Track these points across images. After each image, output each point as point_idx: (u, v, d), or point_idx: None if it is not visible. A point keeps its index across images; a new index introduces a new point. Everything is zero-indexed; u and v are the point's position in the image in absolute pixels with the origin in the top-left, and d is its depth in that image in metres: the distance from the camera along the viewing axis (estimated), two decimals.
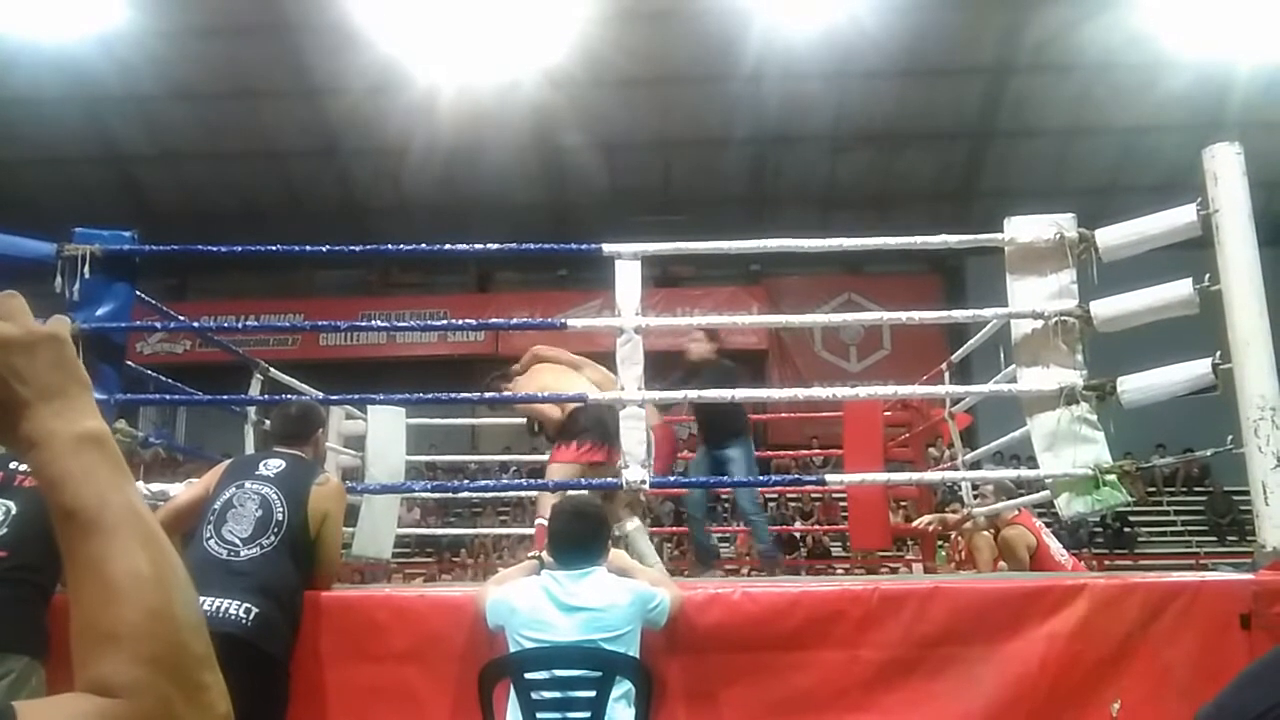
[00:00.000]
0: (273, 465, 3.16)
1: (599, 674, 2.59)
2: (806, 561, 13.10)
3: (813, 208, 16.77)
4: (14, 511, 2.90)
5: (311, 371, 7.09)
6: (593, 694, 2.58)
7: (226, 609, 2.75)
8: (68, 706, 0.67)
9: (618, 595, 2.74)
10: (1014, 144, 15.96)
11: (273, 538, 2.95)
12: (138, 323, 4.33)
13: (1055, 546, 5.71)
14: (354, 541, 5.25)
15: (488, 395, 4.77)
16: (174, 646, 0.70)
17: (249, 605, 2.77)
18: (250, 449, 5.05)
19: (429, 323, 16.47)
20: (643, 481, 3.65)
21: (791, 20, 13.25)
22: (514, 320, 5.01)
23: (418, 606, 3.08)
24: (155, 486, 3.84)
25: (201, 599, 2.68)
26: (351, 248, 4.65)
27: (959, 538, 7.26)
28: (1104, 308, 3.68)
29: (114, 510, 0.72)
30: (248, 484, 3.07)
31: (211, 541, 2.93)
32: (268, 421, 5.36)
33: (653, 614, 2.77)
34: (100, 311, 3.88)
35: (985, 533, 6.92)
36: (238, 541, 2.92)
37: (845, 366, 17.76)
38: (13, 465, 3.05)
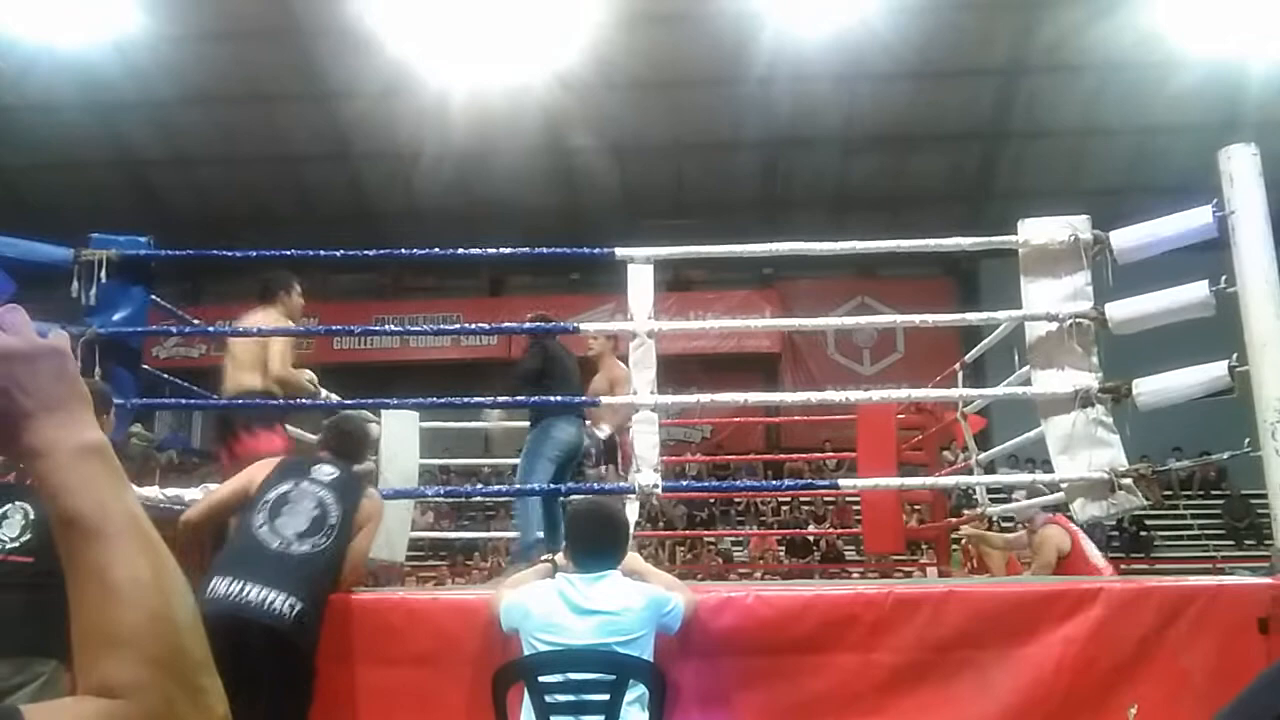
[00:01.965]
0: (326, 471, 3.20)
1: (613, 677, 2.59)
2: (820, 565, 13.06)
3: (825, 210, 16.73)
4: (32, 516, 2.92)
5: (325, 375, 7.08)
6: (606, 697, 2.57)
7: (272, 601, 2.78)
8: (74, 708, 0.69)
9: (632, 599, 2.74)
10: (1027, 145, 15.90)
11: (325, 539, 2.99)
12: (154, 327, 4.35)
13: (1092, 550, 5.65)
14: None
15: (501, 400, 4.78)
16: (175, 649, 0.72)
17: (293, 600, 2.80)
18: None
19: (442, 327, 16.51)
20: (655, 486, 3.65)
21: (802, 23, 13.24)
22: (526, 324, 5.00)
23: (431, 609, 3.08)
24: (170, 491, 3.86)
25: (247, 585, 2.76)
26: (364, 252, 4.65)
27: (969, 544, 7.23)
28: (1119, 310, 3.66)
29: (115, 518, 0.74)
30: (304, 484, 3.11)
31: (264, 530, 2.96)
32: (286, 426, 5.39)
33: (667, 618, 2.77)
34: (117, 316, 3.91)
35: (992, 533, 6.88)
36: (291, 535, 2.96)
37: (858, 370, 17.71)
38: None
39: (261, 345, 4.47)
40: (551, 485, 4.77)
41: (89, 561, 0.72)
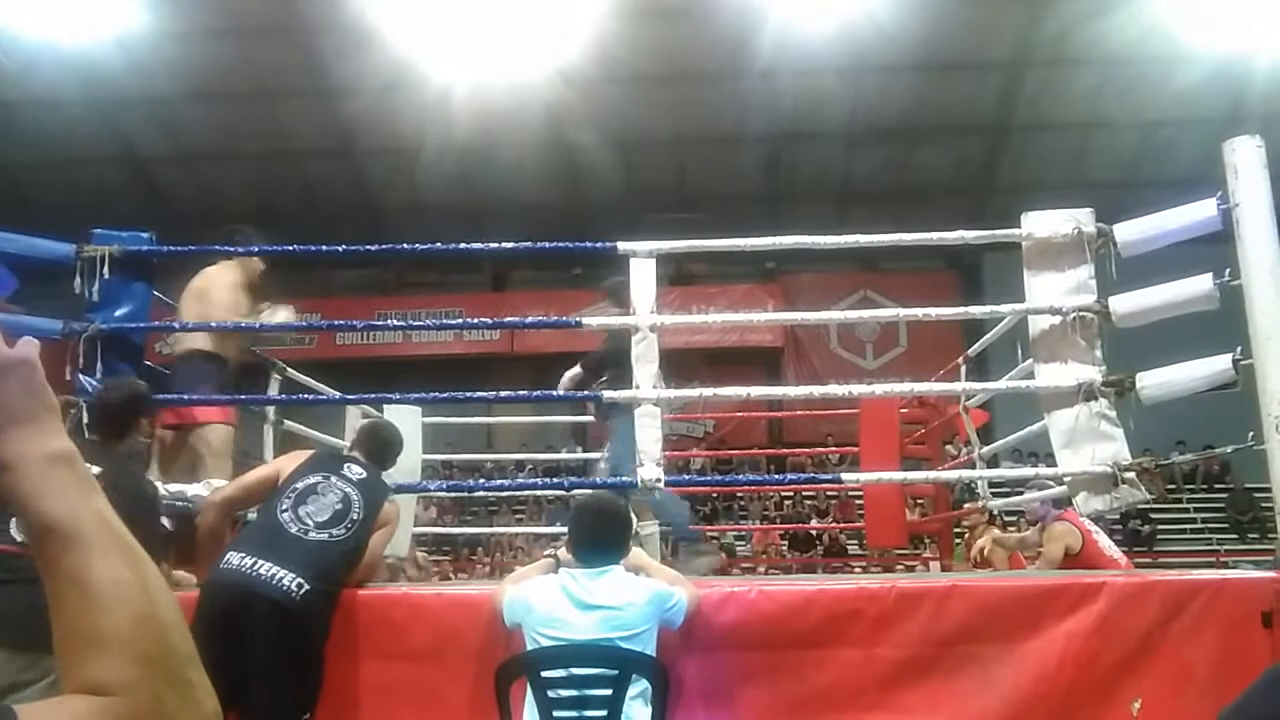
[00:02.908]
0: (356, 471, 3.27)
1: (615, 672, 2.59)
2: (823, 559, 13.07)
3: (828, 204, 16.72)
4: None
5: (328, 370, 7.10)
6: (609, 692, 2.57)
7: (281, 577, 2.82)
8: (67, 707, 0.70)
9: (635, 594, 2.74)
10: (1031, 138, 15.87)
11: (343, 532, 3.05)
12: (156, 323, 4.36)
13: (1105, 543, 5.66)
14: None
15: (503, 395, 4.78)
16: (162, 646, 0.73)
17: (301, 580, 2.84)
18: (269, 449, 5.07)
19: (444, 322, 16.50)
20: (657, 480, 3.65)
21: (805, 16, 13.20)
22: (529, 319, 4.99)
23: (434, 605, 3.09)
24: (174, 486, 3.86)
25: (259, 562, 2.82)
26: (367, 247, 4.66)
27: (972, 537, 7.23)
28: (1123, 303, 3.65)
29: (89, 523, 0.74)
30: (334, 479, 3.18)
31: (286, 514, 3.03)
32: (286, 421, 5.40)
33: (670, 613, 2.77)
34: (119, 312, 3.92)
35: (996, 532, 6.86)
36: (311, 523, 3.02)
37: (861, 364, 17.71)
38: None
39: (208, 304, 4.35)
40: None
41: (66, 568, 0.73)
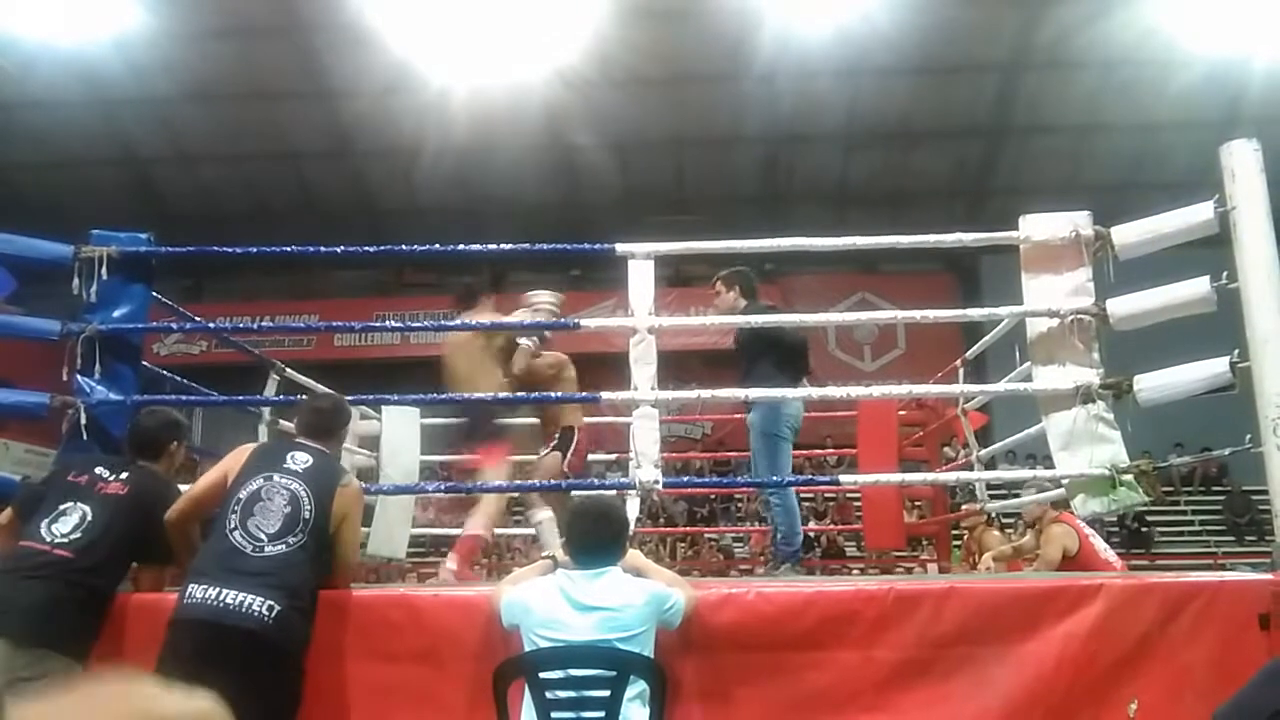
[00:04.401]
0: (300, 459, 3.11)
1: (613, 674, 2.59)
2: (821, 561, 13.07)
3: (826, 206, 16.74)
4: (89, 517, 3.07)
5: (326, 372, 7.10)
6: (607, 694, 2.57)
7: (250, 604, 2.74)
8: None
9: (633, 595, 2.74)
10: (1029, 141, 15.88)
11: (299, 536, 2.93)
12: (154, 324, 4.35)
13: (1100, 545, 5.70)
14: (369, 541, 5.27)
15: (502, 396, 4.78)
16: None
17: (271, 602, 2.76)
18: None
19: (443, 323, 16.51)
20: (655, 482, 3.65)
21: (804, 18, 13.23)
22: (528, 321, 5.00)
23: (432, 606, 3.08)
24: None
25: (224, 591, 2.75)
26: (365, 248, 4.67)
27: (970, 539, 7.24)
28: (1120, 306, 3.66)
29: None
30: (276, 477, 3.03)
31: (236, 534, 2.91)
32: (282, 421, 5.41)
33: (668, 614, 2.77)
34: (117, 313, 3.92)
35: (995, 533, 6.89)
36: (263, 536, 2.90)
37: (860, 366, 17.71)
38: (98, 470, 3.22)
39: (492, 343, 4.90)
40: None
41: None
